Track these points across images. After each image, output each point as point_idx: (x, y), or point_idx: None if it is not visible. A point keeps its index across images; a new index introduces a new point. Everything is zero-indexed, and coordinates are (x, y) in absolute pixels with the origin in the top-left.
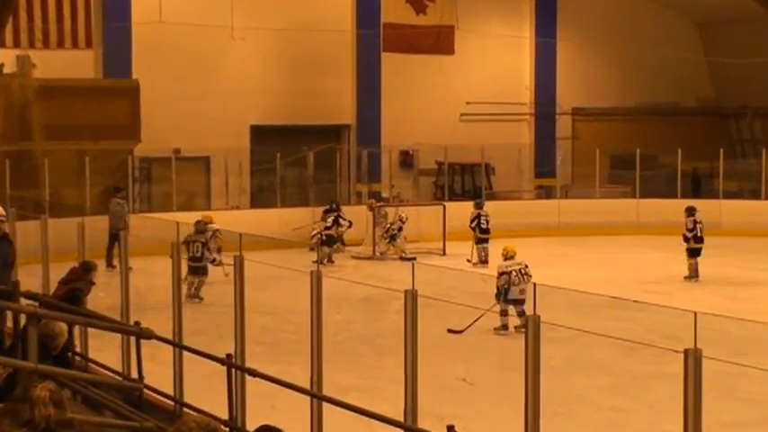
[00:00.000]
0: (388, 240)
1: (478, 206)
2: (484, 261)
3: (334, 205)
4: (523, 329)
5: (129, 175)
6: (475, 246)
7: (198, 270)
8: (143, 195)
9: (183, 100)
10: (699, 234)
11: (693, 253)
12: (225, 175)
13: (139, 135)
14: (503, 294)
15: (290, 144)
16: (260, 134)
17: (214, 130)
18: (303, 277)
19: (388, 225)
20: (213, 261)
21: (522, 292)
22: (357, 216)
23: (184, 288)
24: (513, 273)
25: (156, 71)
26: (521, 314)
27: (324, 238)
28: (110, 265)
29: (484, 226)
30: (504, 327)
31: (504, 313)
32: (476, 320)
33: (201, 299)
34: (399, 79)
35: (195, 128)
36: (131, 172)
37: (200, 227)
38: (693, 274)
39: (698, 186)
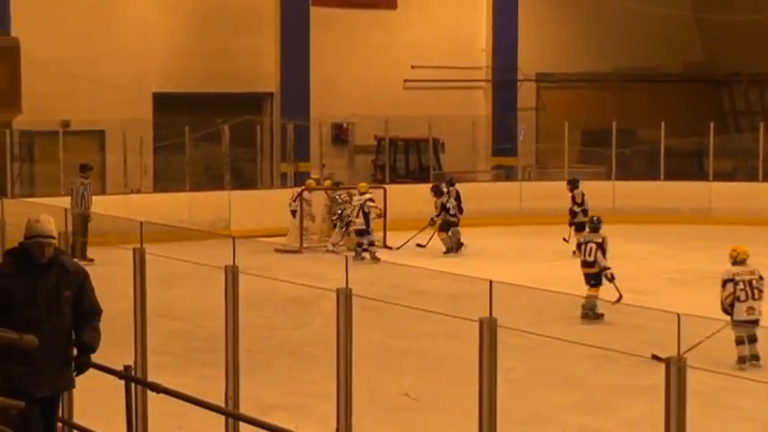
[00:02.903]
0: (344, 230)
1: (575, 185)
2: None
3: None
4: (755, 362)
5: (8, 153)
6: (573, 233)
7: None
8: (24, 176)
9: (73, 62)
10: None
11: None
12: (123, 151)
13: (20, 104)
14: (730, 314)
15: (201, 116)
16: (164, 103)
17: (110, 98)
18: (217, 274)
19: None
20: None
21: (752, 311)
22: (284, 201)
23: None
24: (741, 284)
25: (39, 27)
26: (751, 340)
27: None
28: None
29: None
30: (742, 360)
31: (739, 341)
32: (695, 346)
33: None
34: (331, 39)
35: (87, 96)
36: (10, 148)
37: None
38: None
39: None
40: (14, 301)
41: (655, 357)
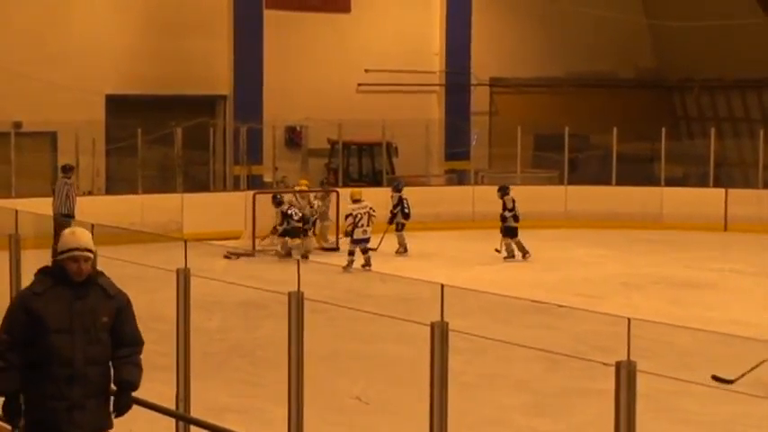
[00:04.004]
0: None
1: (505, 191)
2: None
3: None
4: None
5: None
6: (502, 238)
7: None
8: None
9: (25, 63)
10: (517, 214)
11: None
12: (75, 153)
13: None
14: None
15: (154, 118)
16: (117, 105)
17: (62, 99)
18: (169, 277)
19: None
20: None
21: None
22: (237, 204)
23: None
24: None
25: None
26: None
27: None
28: None
29: (517, 212)
30: None
31: None
32: (755, 367)
33: None
34: (285, 42)
35: (39, 97)
36: None
37: None
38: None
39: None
40: (45, 326)
41: (716, 378)
